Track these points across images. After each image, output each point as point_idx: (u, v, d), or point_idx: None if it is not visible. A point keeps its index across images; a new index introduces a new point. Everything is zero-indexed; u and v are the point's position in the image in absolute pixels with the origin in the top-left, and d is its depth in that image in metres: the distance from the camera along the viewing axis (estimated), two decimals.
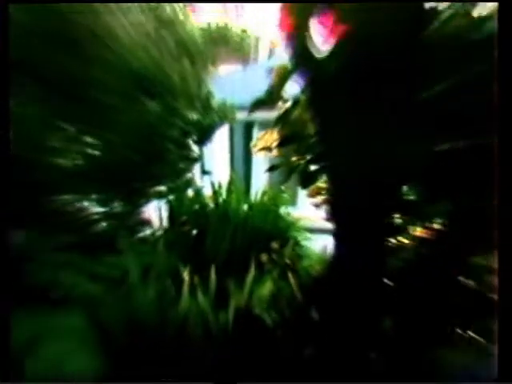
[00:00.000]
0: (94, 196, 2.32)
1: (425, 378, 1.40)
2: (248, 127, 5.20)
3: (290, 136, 2.23)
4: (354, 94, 1.50)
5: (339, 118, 1.59)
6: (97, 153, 2.20)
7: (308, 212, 2.52)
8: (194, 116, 2.64)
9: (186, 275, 1.75)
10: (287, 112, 2.20)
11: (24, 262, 1.76)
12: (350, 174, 1.60)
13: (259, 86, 2.21)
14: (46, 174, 2.02)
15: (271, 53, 2.51)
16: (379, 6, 1.35)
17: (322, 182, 2.15)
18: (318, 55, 1.54)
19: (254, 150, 2.66)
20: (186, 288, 1.68)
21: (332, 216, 1.74)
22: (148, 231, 2.39)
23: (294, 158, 2.23)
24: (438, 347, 1.45)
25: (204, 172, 3.13)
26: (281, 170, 2.38)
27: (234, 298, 1.68)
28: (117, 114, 2.12)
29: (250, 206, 2.45)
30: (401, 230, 1.77)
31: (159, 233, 2.35)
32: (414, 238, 1.74)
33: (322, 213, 2.07)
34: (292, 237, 2.36)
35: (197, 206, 2.47)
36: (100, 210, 2.31)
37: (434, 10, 1.44)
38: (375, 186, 1.55)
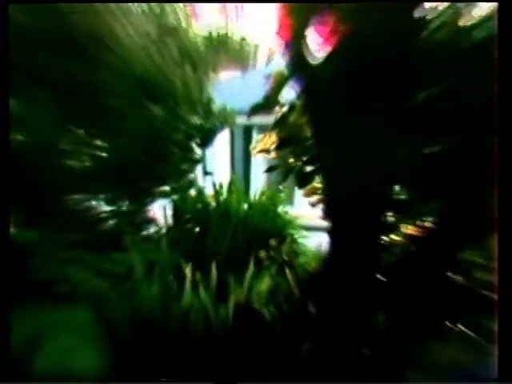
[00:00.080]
0: (102, 195, 2.29)
1: (416, 370, 1.35)
2: (247, 131, 5.17)
3: (287, 139, 2.20)
4: (347, 100, 1.46)
5: (333, 121, 1.56)
6: (105, 155, 2.18)
7: (304, 211, 2.48)
8: (196, 120, 2.62)
9: (188, 271, 1.71)
10: (284, 116, 2.17)
11: (35, 258, 1.73)
12: (344, 174, 1.56)
13: (257, 91, 2.17)
14: (58, 175, 2.00)
15: (269, 60, 2.48)
16: (371, 15, 1.32)
17: (317, 183, 2.11)
18: (313, 62, 1.51)
19: (253, 152, 2.62)
20: (188, 283, 1.64)
21: (327, 214, 1.69)
22: (153, 229, 2.36)
23: (290, 160, 2.21)
24: (429, 341, 1.41)
25: (206, 173, 3.11)
26: (278, 171, 2.35)
27: (234, 293, 1.64)
28: (123, 119, 2.10)
29: (250, 206, 2.43)
30: (393, 228, 1.73)
31: (163, 231, 2.32)
32: (405, 236, 1.70)
33: (317, 211, 2.04)
34: (289, 234, 2.35)
35: (199, 205, 2.44)
36: (108, 208, 2.28)
37: (423, 20, 1.40)
38: (368, 186, 1.52)
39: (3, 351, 0.96)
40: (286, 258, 2.01)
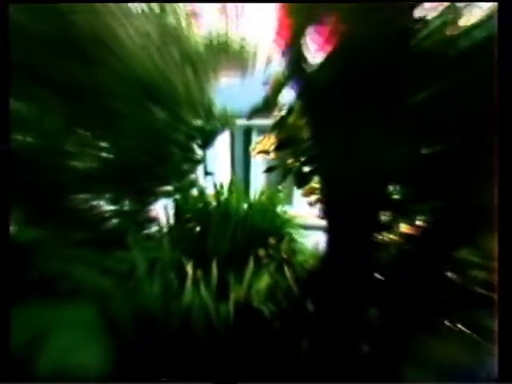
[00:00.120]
0: (105, 195, 2.26)
1: (413, 366, 1.33)
2: (247, 132, 5.14)
3: (286, 140, 2.20)
4: (344, 102, 1.45)
5: (331, 123, 1.55)
6: (109, 156, 2.15)
7: (303, 210, 2.47)
8: (197, 122, 2.59)
9: (189, 269, 1.68)
10: (283, 119, 2.16)
11: (39, 256, 1.71)
12: (342, 175, 1.55)
13: (257, 95, 2.19)
14: (64, 175, 1.98)
15: (267, 64, 2.47)
16: (370, 16, 1.29)
17: (315, 183, 2.11)
18: (310, 67, 1.51)
19: (252, 153, 2.62)
20: (189, 281, 1.62)
21: (325, 214, 1.69)
22: (155, 228, 2.33)
23: (289, 161, 2.20)
24: (425, 338, 1.38)
25: (207, 173, 3.08)
26: (277, 171, 2.35)
27: (234, 290, 1.61)
28: (127, 120, 2.08)
29: (250, 205, 2.40)
30: (389, 227, 1.72)
31: (165, 230, 2.29)
32: (401, 235, 1.68)
33: (315, 211, 2.04)
34: (288, 233, 2.32)
35: (200, 205, 2.42)
36: (111, 208, 2.25)
37: (422, 20, 1.38)
38: (365, 186, 1.51)
39: (4, 350, 0.93)
40: (284, 256, 1.99)
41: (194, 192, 2.53)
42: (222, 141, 4.61)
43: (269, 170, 2.45)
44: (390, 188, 1.66)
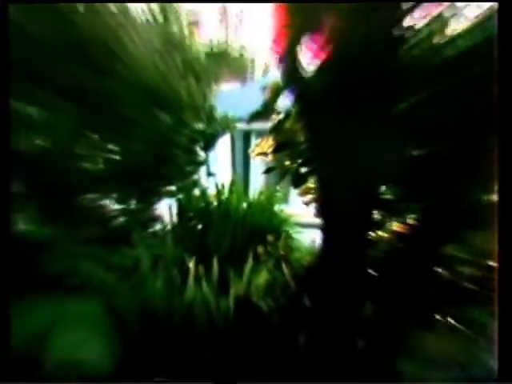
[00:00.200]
0: (113, 195, 2.22)
1: (405, 359, 1.28)
2: (247, 136, 5.11)
3: (283, 143, 2.17)
4: (337, 107, 1.42)
5: (326, 127, 1.52)
6: (116, 158, 2.12)
7: (299, 209, 2.43)
8: (199, 126, 2.57)
9: (191, 265, 1.64)
10: (280, 123, 2.14)
11: (50, 253, 1.66)
12: (336, 175, 1.52)
13: (256, 100, 2.17)
14: (74, 177, 1.95)
15: (265, 72, 2.44)
16: (361, 28, 1.26)
17: (311, 183, 2.07)
18: (305, 74, 1.48)
19: (252, 155, 2.58)
20: (191, 277, 1.57)
21: (320, 212, 1.65)
22: (159, 226, 2.30)
23: (286, 162, 2.17)
24: (417, 331, 1.34)
25: (209, 174, 3.04)
26: (276, 172, 2.32)
27: (234, 286, 1.57)
28: (133, 125, 2.05)
29: (249, 204, 2.37)
30: (380, 225, 1.68)
31: (168, 228, 2.26)
32: (392, 233, 1.64)
33: (311, 210, 1.99)
34: (285, 231, 2.29)
35: (202, 204, 2.38)
36: (118, 207, 2.21)
37: (411, 29, 1.34)
38: (358, 186, 1.47)
39: (5, 349, 0.87)
40: (282, 253, 1.95)
41: (197, 192, 2.49)
42: (223, 143, 4.59)
43: (267, 171, 2.42)
44: (382, 188, 1.62)
